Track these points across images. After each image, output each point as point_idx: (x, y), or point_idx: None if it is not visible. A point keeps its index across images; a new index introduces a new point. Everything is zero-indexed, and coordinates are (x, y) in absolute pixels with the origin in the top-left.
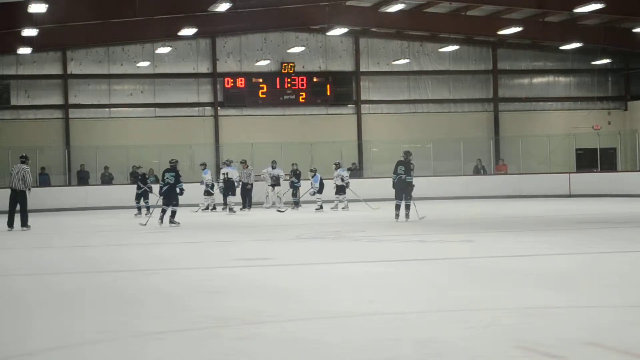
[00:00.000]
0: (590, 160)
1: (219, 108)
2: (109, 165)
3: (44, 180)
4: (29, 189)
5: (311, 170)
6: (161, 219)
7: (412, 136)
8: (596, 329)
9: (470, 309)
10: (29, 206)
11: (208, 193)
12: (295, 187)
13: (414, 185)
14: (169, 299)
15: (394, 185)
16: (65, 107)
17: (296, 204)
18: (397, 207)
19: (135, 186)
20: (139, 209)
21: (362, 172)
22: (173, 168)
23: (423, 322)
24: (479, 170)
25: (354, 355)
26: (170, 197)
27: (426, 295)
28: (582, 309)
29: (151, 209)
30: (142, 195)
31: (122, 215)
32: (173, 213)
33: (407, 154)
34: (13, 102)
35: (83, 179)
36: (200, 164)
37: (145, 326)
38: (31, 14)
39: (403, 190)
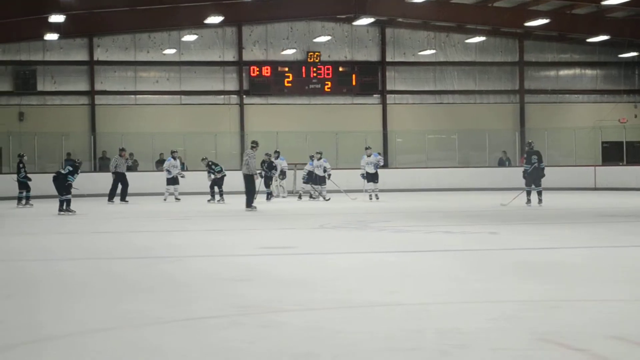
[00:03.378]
0: (616, 153)
1: (244, 96)
2: (134, 152)
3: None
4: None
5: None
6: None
7: (438, 127)
8: (619, 322)
9: (493, 300)
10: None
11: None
12: (268, 178)
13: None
14: (190, 286)
15: (529, 174)
16: (91, 93)
17: (269, 194)
18: (529, 194)
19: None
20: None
21: (387, 163)
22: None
23: (445, 313)
24: (503, 162)
25: (377, 345)
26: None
27: (449, 287)
28: (605, 302)
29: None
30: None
31: (146, 201)
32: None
33: (532, 144)
34: (39, 87)
35: (105, 165)
36: (275, 151)
37: (167, 314)
38: (58, 1)
39: (536, 178)
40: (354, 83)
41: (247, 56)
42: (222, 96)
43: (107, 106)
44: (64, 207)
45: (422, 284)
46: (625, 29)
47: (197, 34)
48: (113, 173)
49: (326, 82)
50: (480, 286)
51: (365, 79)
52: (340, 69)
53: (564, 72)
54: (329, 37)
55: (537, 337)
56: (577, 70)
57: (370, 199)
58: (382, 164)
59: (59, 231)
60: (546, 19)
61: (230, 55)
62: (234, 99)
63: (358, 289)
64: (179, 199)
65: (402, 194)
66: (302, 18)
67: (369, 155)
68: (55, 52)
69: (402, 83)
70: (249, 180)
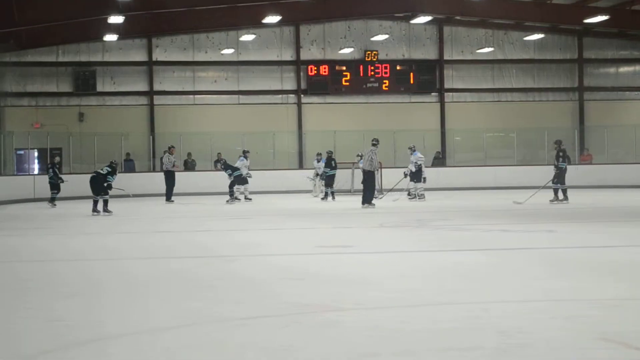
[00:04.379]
0: None
1: (302, 95)
2: (192, 151)
3: (129, 166)
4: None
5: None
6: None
7: (496, 125)
8: None
9: (553, 299)
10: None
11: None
12: (329, 177)
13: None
14: (250, 285)
15: (564, 172)
16: (150, 93)
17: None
18: (565, 191)
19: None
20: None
21: (445, 161)
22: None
23: (505, 312)
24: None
25: (437, 344)
26: None
27: (508, 285)
28: None
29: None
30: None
31: (206, 201)
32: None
33: (561, 143)
34: (99, 88)
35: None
36: (317, 154)
37: (227, 312)
38: (118, 2)
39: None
40: (411, 81)
41: (304, 55)
42: (280, 95)
43: (166, 106)
44: (104, 208)
45: (482, 282)
46: None
47: (255, 34)
48: (165, 172)
49: (384, 81)
50: (540, 285)
51: (423, 77)
52: (398, 68)
53: (623, 69)
54: (386, 36)
55: (598, 336)
56: (638, 67)
57: (409, 197)
58: (420, 162)
59: (119, 231)
60: (605, 15)
61: (288, 55)
62: (292, 98)
63: (417, 287)
64: (249, 199)
65: (461, 192)
66: (359, 17)
67: (411, 155)
68: (114, 52)
69: (460, 81)
70: (370, 176)
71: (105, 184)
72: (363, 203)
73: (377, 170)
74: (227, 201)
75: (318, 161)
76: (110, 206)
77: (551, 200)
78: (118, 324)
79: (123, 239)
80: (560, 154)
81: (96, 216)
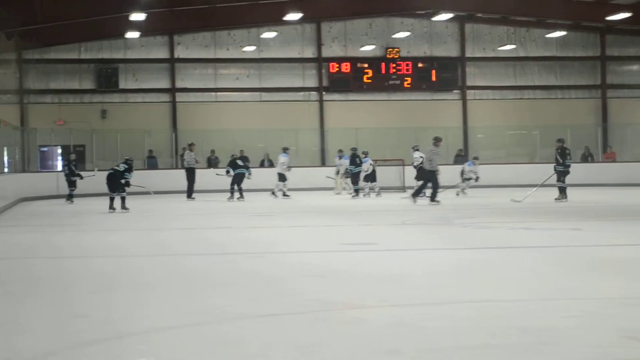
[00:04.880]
0: None
1: (323, 93)
2: (214, 148)
3: (151, 163)
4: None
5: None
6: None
7: (518, 122)
8: None
9: (575, 297)
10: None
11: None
12: (355, 175)
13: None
14: (273, 282)
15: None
16: (172, 90)
17: (357, 191)
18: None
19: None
20: None
21: (467, 159)
22: None
23: (529, 310)
24: (586, 158)
25: (460, 341)
26: None
27: (532, 283)
28: None
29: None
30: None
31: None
32: None
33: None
34: (121, 85)
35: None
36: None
37: (250, 309)
38: None
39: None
40: (433, 79)
41: (326, 52)
42: (302, 93)
43: (188, 103)
44: (122, 205)
45: (505, 280)
46: None
47: (276, 31)
48: (186, 169)
49: (405, 78)
50: (563, 283)
51: (444, 74)
52: (420, 65)
53: None
54: (408, 33)
55: (622, 334)
56: None
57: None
58: (416, 163)
59: (138, 227)
60: (628, 12)
61: (309, 52)
62: (314, 95)
63: (441, 285)
64: (287, 196)
65: (483, 189)
66: (381, 14)
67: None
68: (136, 50)
69: (482, 78)
70: (431, 175)
71: (123, 181)
72: (431, 200)
73: (437, 169)
74: (228, 198)
75: (340, 158)
76: (131, 203)
77: (556, 199)
78: (141, 321)
79: (142, 236)
80: (567, 151)
81: (112, 213)
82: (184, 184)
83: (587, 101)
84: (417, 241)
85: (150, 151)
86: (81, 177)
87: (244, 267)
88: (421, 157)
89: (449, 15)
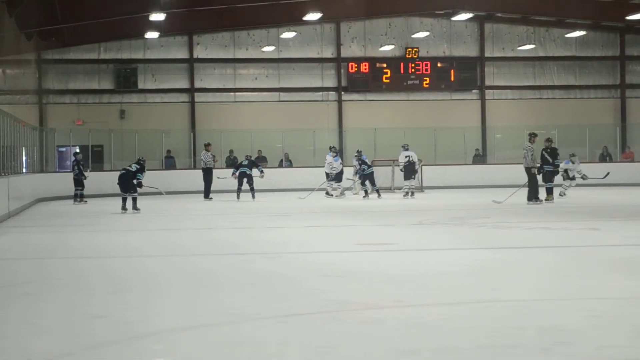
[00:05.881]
0: None
1: (342, 93)
2: (233, 148)
3: (170, 163)
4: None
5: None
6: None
7: (537, 122)
8: None
9: (592, 297)
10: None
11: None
12: (365, 176)
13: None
14: (290, 282)
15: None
16: (191, 90)
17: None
18: (552, 190)
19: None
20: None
21: (486, 159)
22: None
23: (546, 310)
24: (604, 158)
25: (478, 342)
26: None
27: (549, 283)
28: None
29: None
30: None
31: (245, 198)
32: None
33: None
34: (140, 85)
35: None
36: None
37: (267, 309)
38: None
39: None
40: (452, 79)
41: (345, 52)
42: (321, 93)
43: (207, 103)
44: (133, 205)
45: (522, 280)
46: None
47: (295, 31)
48: (203, 169)
49: (424, 78)
50: (581, 283)
51: (463, 74)
52: (439, 65)
53: None
54: (427, 33)
55: (639, 334)
56: None
57: (405, 195)
58: (402, 161)
59: (152, 228)
60: None
61: (328, 52)
62: (332, 95)
63: (458, 285)
64: (331, 195)
65: (501, 189)
66: (400, 14)
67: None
68: (155, 50)
69: (501, 78)
70: (529, 174)
71: (135, 181)
72: (528, 200)
73: (533, 168)
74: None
75: (357, 159)
76: (144, 204)
77: (560, 195)
78: (157, 322)
79: (156, 236)
80: (557, 151)
81: (124, 214)
82: (200, 184)
83: (606, 101)
84: (434, 241)
85: (169, 151)
86: (85, 178)
87: (259, 268)
88: (407, 156)
89: (469, 15)
